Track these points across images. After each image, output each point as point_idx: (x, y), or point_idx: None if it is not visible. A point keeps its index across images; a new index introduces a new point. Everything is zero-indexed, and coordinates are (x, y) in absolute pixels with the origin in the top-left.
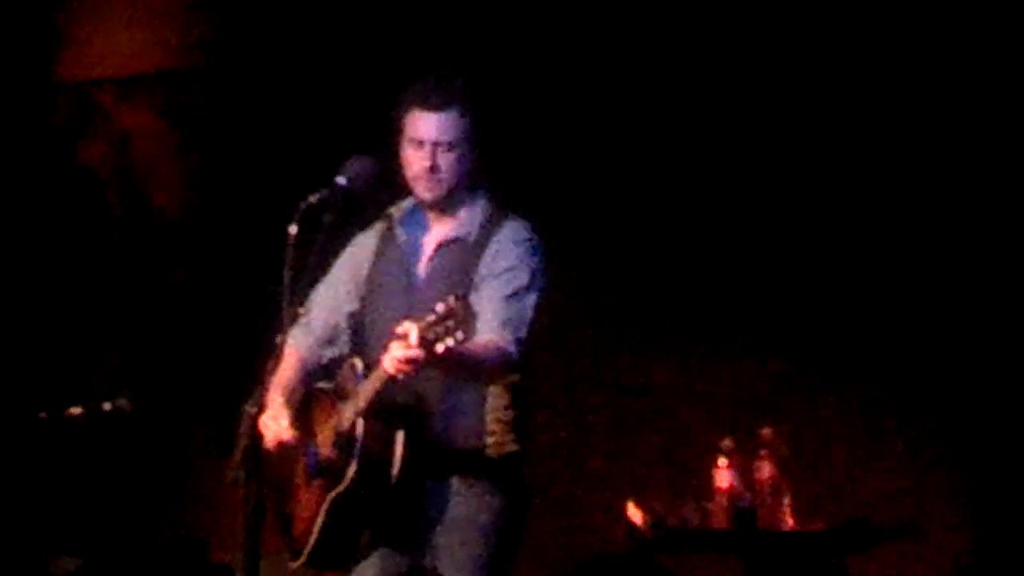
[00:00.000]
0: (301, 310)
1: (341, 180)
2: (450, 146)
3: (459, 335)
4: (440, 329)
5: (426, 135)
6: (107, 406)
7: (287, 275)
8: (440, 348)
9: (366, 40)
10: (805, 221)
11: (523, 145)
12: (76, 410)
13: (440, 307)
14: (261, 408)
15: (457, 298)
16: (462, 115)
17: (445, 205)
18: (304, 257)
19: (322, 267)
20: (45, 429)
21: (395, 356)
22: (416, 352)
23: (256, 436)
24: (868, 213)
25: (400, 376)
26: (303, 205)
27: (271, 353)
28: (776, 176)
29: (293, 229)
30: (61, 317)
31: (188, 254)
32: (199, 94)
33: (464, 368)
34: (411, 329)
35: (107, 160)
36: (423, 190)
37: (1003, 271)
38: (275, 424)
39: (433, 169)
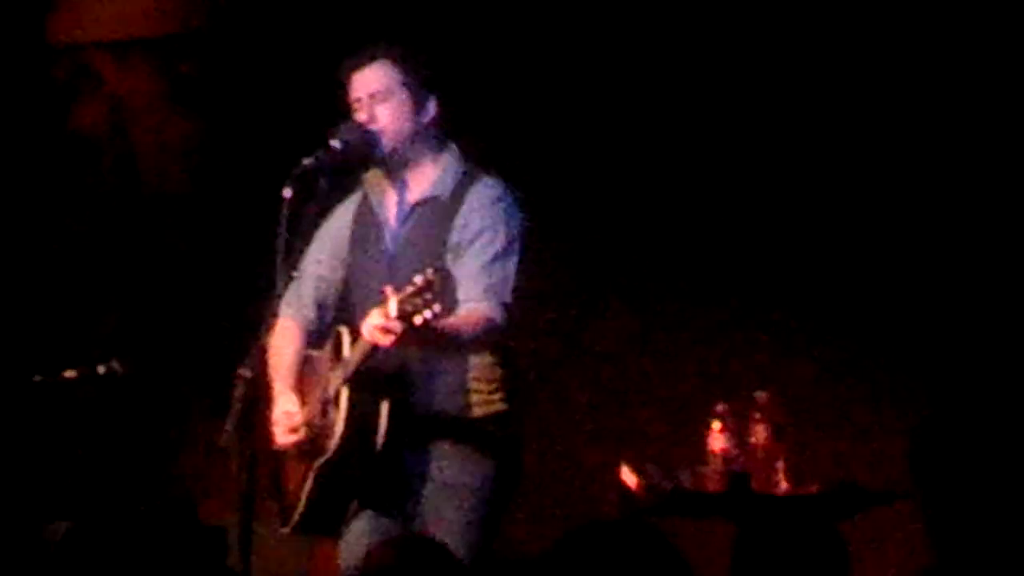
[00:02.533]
0: (295, 274)
1: (335, 144)
2: (384, 96)
3: (436, 308)
4: (419, 301)
5: (360, 92)
6: (101, 369)
7: (281, 238)
8: (418, 320)
9: (365, 3)
10: (801, 187)
11: (505, 101)
12: (70, 373)
13: (419, 279)
14: (256, 374)
15: (436, 270)
16: (390, 65)
17: (403, 162)
18: (299, 220)
19: (316, 231)
20: (39, 392)
21: (373, 324)
22: (394, 323)
23: (250, 401)
24: (864, 180)
25: (381, 344)
26: (298, 169)
27: (266, 319)
28: (770, 140)
29: (287, 193)
30: (55, 281)
31: (183, 218)
32: (195, 58)
33: (450, 342)
34: (390, 300)
35: (101, 124)
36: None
37: (996, 237)
38: (289, 420)
39: (370, 121)
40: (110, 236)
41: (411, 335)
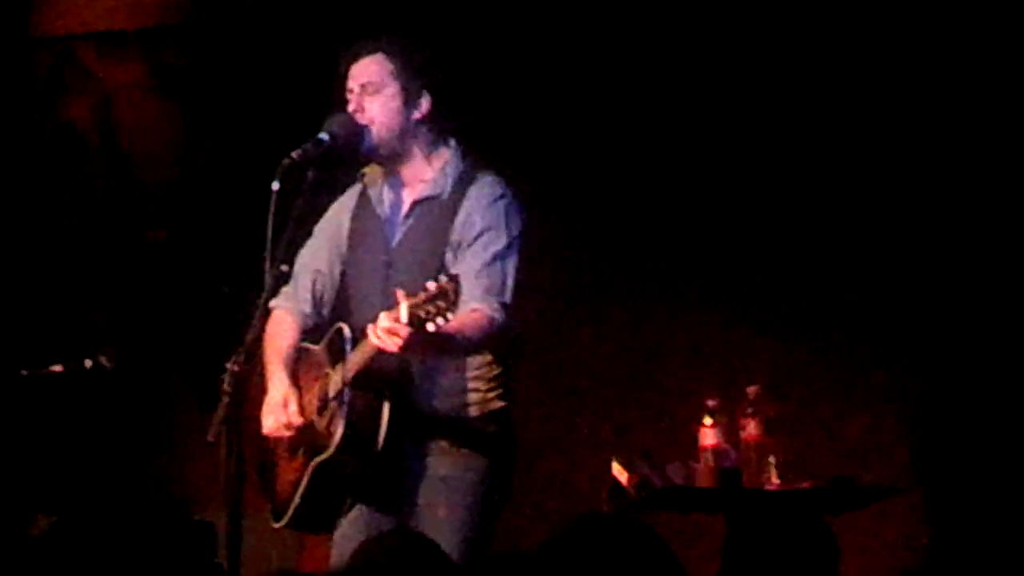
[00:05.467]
0: (284, 267)
1: (323, 136)
2: (375, 88)
3: (450, 316)
4: (431, 308)
5: (352, 82)
6: (88, 363)
7: (269, 232)
8: (431, 327)
9: None
10: (793, 180)
11: (505, 97)
12: (57, 367)
13: (432, 285)
14: (244, 368)
15: (451, 278)
16: (386, 58)
17: (397, 155)
18: (287, 214)
19: (304, 224)
20: (26, 386)
21: (383, 327)
22: (404, 329)
23: (239, 395)
24: (858, 173)
25: (387, 350)
26: (286, 162)
27: (256, 313)
28: (763, 133)
29: (276, 186)
30: (43, 274)
31: (171, 211)
32: (182, 50)
33: (454, 347)
34: (401, 304)
35: (88, 117)
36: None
37: (992, 230)
38: (282, 412)
39: (359, 112)
40: (98, 228)
41: (417, 342)
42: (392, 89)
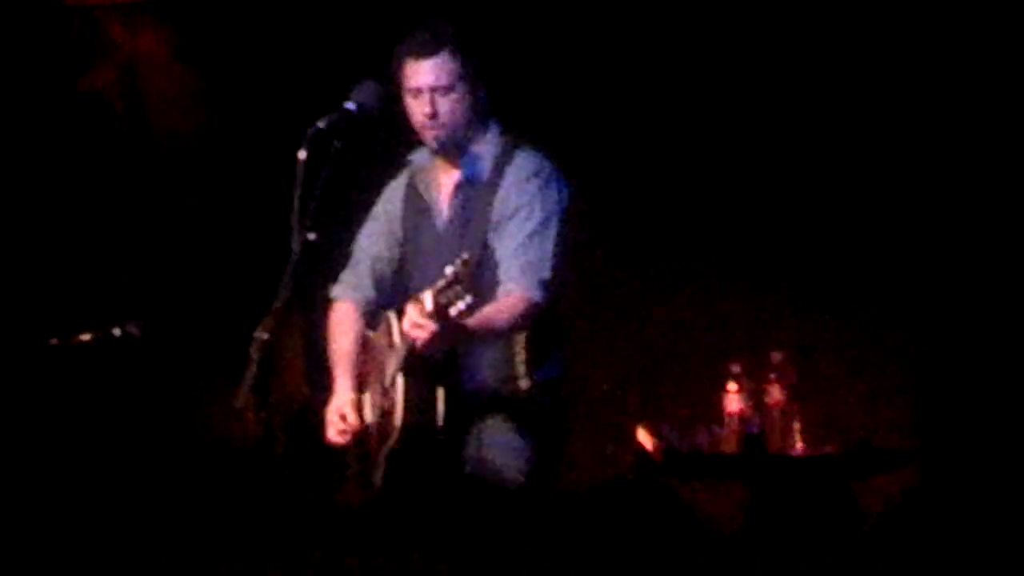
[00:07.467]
0: (311, 236)
1: (350, 105)
2: (447, 90)
3: (468, 299)
4: (451, 293)
5: (422, 82)
6: (117, 332)
7: (297, 200)
8: (453, 311)
9: None
10: (813, 146)
11: (536, 75)
12: (86, 336)
13: (449, 270)
14: (272, 335)
15: (464, 261)
16: (454, 57)
17: (456, 149)
18: (314, 182)
19: (331, 192)
20: (54, 356)
21: (410, 320)
22: (429, 322)
23: (267, 362)
24: (876, 134)
25: (419, 344)
26: (312, 130)
27: (283, 280)
28: (782, 106)
29: (302, 155)
30: (71, 243)
31: (198, 180)
32: (208, 19)
33: (494, 333)
34: (425, 296)
35: (114, 86)
36: (430, 139)
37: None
38: (340, 422)
39: (434, 115)
40: (125, 197)
41: (445, 331)
42: (463, 88)
